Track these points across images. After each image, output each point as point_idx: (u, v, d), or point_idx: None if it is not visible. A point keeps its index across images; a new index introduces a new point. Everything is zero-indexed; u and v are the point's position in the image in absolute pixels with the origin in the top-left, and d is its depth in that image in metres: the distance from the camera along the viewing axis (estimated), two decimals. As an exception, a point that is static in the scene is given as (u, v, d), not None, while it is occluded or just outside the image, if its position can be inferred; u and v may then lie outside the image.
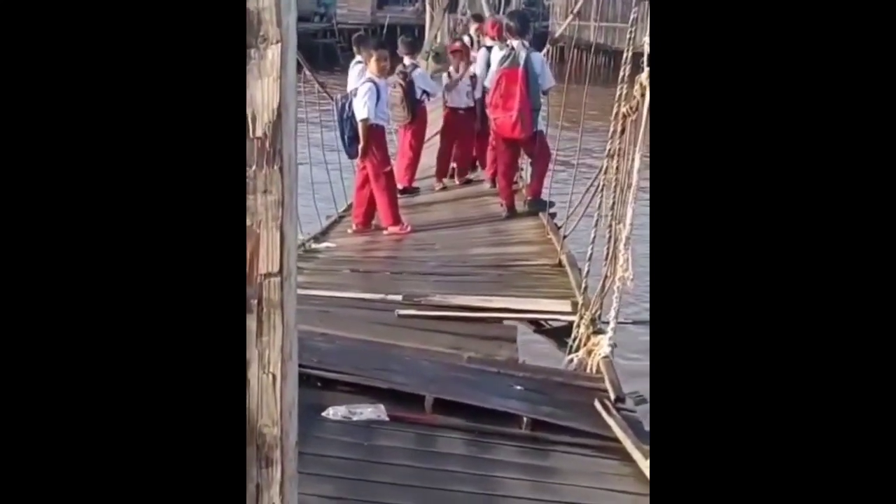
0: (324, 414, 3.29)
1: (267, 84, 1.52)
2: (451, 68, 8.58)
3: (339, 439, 3.16)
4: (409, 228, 6.70)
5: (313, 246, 6.11)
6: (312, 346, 3.68)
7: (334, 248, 6.25)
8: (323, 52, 29.02)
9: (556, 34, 8.18)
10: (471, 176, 8.83)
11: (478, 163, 8.93)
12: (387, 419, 3.34)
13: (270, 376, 1.60)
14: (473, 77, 8.33)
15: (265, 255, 1.57)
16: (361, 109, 6.54)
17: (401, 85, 7.83)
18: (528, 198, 7.29)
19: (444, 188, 8.44)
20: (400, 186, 7.89)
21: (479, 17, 11.38)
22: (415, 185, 8.42)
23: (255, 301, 1.59)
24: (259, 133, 1.53)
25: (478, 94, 8.26)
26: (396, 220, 6.71)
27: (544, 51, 8.35)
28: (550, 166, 7.25)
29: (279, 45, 1.50)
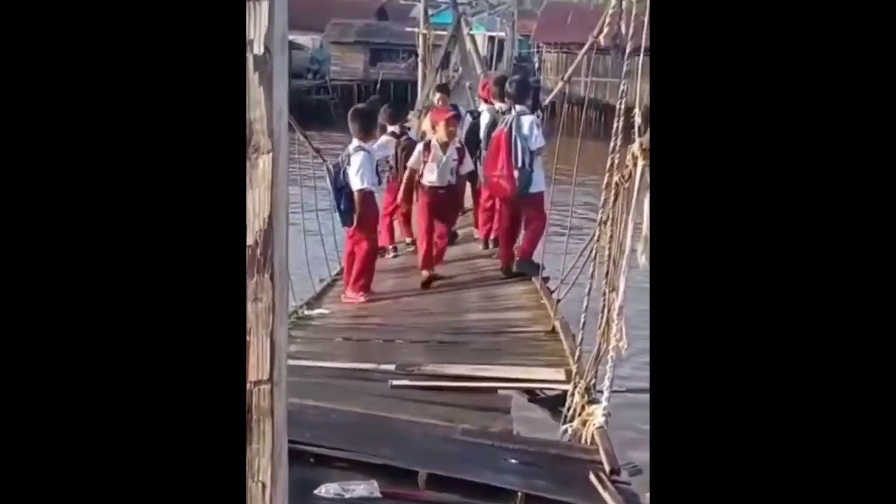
0: (316, 492, 3.26)
1: (258, 193, 1.53)
2: (434, 139, 7.22)
3: (331, 519, 3.13)
4: (362, 299, 6.63)
5: (306, 313, 6.09)
6: (305, 421, 3.65)
7: (327, 314, 6.24)
8: (316, 109, 29.32)
9: (547, 101, 8.07)
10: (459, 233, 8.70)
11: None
12: (380, 496, 3.31)
13: (260, 485, 1.59)
14: (461, 149, 7.31)
15: (256, 362, 1.57)
16: (357, 180, 6.47)
17: (396, 137, 8.17)
18: (518, 258, 7.09)
19: (433, 277, 7.16)
20: (390, 246, 8.07)
21: (443, 88, 10.63)
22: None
23: (245, 408, 1.58)
24: (250, 241, 1.54)
25: (464, 170, 7.36)
26: (364, 288, 6.69)
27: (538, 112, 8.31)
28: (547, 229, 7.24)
29: (270, 154, 1.52)
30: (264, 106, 1.49)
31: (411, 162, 7.27)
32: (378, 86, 31.00)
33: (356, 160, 6.51)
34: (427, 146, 7.15)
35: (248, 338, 1.53)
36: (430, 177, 7.14)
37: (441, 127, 7.09)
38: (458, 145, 7.23)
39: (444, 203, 7.32)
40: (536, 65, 37.43)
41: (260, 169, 1.50)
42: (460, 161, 7.24)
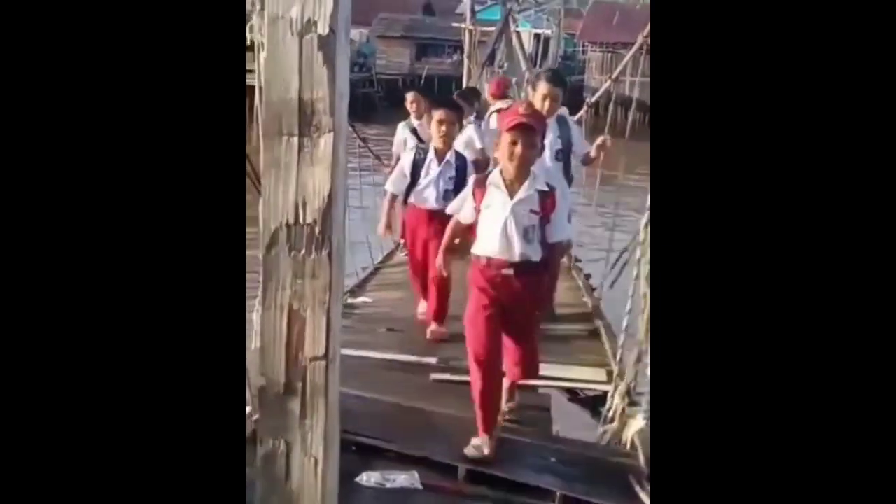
0: (357, 479, 3.30)
1: (319, 172, 1.56)
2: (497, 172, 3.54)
3: (371, 507, 3.16)
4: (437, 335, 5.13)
5: (349, 301, 6.11)
6: (347, 410, 3.68)
7: (371, 302, 6.25)
8: (362, 102, 29.38)
9: (592, 100, 7.75)
10: None
11: None
12: (420, 487, 3.34)
13: (312, 460, 1.62)
14: (548, 195, 3.53)
15: (311, 338, 1.60)
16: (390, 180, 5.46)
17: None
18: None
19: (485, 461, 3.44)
20: None
21: (472, 92, 8.40)
22: None
23: (300, 384, 1.61)
24: (309, 220, 1.57)
25: (556, 235, 3.59)
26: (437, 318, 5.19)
27: (581, 111, 8.10)
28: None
29: (332, 134, 1.55)
30: (327, 86, 1.52)
31: (462, 213, 3.70)
32: (423, 81, 30.96)
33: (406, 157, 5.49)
34: (481, 182, 3.61)
35: (304, 314, 1.57)
36: (486, 243, 3.55)
37: (505, 142, 3.43)
38: (545, 188, 3.51)
39: (516, 296, 3.56)
40: (582, 63, 37.26)
41: (321, 148, 1.53)
42: (546, 216, 3.51)
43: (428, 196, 5.20)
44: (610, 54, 33.29)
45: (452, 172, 5.17)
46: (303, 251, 1.57)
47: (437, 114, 5.18)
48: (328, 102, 1.53)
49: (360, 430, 3.55)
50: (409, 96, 7.48)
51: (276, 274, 1.58)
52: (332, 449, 1.66)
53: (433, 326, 5.18)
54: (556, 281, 3.92)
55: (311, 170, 1.56)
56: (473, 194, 3.61)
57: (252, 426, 2.26)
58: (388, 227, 5.46)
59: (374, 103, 31.13)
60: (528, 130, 3.42)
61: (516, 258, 3.50)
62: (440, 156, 5.19)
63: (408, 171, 5.27)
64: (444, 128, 5.11)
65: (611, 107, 7.92)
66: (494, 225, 3.50)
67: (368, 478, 3.34)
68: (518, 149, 3.39)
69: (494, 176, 3.55)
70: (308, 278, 1.58)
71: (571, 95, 7.46)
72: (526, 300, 3.62)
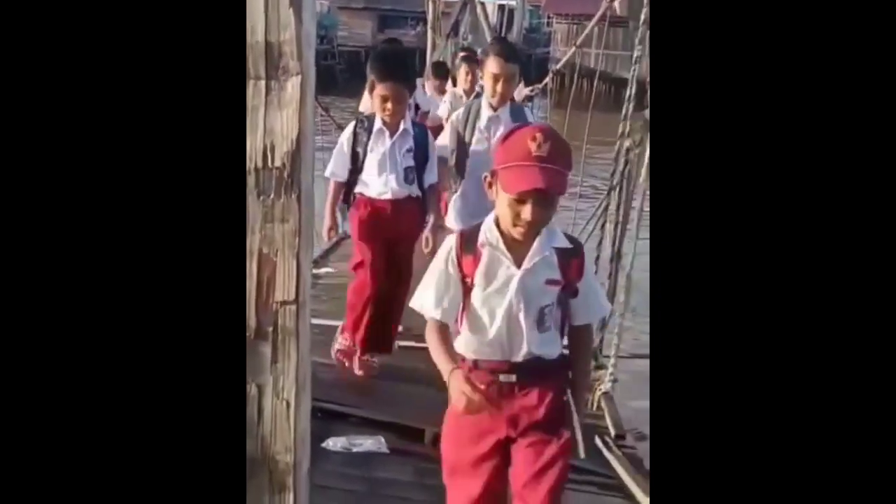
0: (323, 445, 3.29)
1: (286, 115, 1.53)
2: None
3: (339, 470, 3.16)
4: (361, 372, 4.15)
5: (314, 271, 6.06)
6: (313, 377, 3.67)
7: (334, 273, 6.22)
8: (323, 74, 29.15)
9: (556, 67, 7.72)
10: None
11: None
12: (387, 451, 3.34)
13: (284, 403, 1.62)
14: None
15: (281, 283, 1.58)
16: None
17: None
18: None
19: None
20: None
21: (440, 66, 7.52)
22: None
23: (271, 328, 1.60)
24: (278, 163, 1.55)
25: None
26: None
27: (546, 79, 8.05)
28: None
29: (299, 77, 1.53)
30: (294, 28, 1.50)
31: (437, 310, 2.37)
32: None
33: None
34: (468, 242, 2.33)
35: (274, 258, 1.55)
36: (475, 339, 2.36)
37: (507, 199, 2.20)
38: (566, 244, 2.32)
39: (522, 417, 2.32)
40: (547, 36, 37.29)
41: (288, 91, 1.52)
42: (569, 286, 2.31)
43: (382, 181, 3.95)
44: (575, 26, 33.31)
45: (410, 143, 3.97)
46: (272, 195, 1.55)
47: (380, 88, 3.85)
48: (295, 45, 1.51)
49: (325, 397, 3.54)
50: (464, 67, 6.28)
51: (245, 218, 1.55)
52: (304, 392, 1.66)
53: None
54: (586, 392, 2.68)
55: (278, 113, 1.54)
56: (459, 263, 2.31)
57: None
58: (334, 226, 4.21)
59: (335, 76, 30.88)
60: (544, 194, 2.17)
61: (520, 357, 2.30)
62: (391, 127, 3.95)
63: (347, 148, 4.02)
64: (388, 105, 3.87)
65: (575, 78, 7.88)
66: (491, 309, 2.29)
67: (335, 443, 3.34)
68: (526, 212, 2.17)
69: (490, 231, 2.29)
70: (277, 222, 1.56)
71: (537, 68, 7.41)
72: (537, 425, 2.29)
